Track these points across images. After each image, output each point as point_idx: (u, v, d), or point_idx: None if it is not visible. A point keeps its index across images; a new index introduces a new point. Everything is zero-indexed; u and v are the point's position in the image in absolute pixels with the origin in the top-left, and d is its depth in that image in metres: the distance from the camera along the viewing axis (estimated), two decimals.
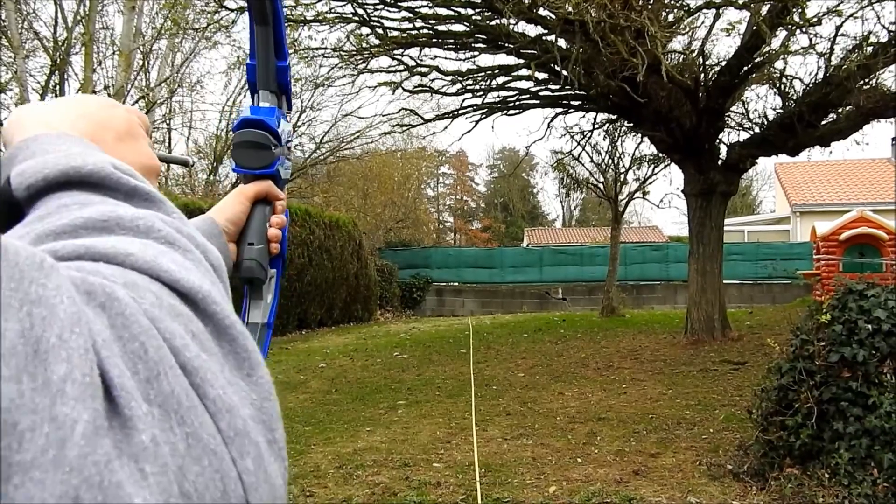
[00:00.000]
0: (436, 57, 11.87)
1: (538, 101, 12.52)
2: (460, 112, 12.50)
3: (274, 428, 0.44)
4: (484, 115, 12.65)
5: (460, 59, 11.86)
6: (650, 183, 16.71)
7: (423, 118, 13.37)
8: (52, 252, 0.40)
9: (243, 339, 0.43)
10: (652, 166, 16.26)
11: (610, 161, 16.31)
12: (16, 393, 0.32)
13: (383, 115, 15.90)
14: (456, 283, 22.80)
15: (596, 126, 14.50)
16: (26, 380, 0.32)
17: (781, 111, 10.93)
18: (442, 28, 10.89)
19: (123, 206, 0.46)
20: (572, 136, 14.92)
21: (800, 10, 8.78)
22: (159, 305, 0.39)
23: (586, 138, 15.09)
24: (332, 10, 10.42)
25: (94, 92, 17.48)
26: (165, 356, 0.38)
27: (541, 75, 11.06)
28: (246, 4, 1.05)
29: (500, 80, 12.09)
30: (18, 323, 0.33)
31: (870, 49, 9.41)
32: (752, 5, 9.32)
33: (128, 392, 0.35)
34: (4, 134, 0.62)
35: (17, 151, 0.51)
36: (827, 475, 4.34)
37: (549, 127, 13.34)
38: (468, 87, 12.07)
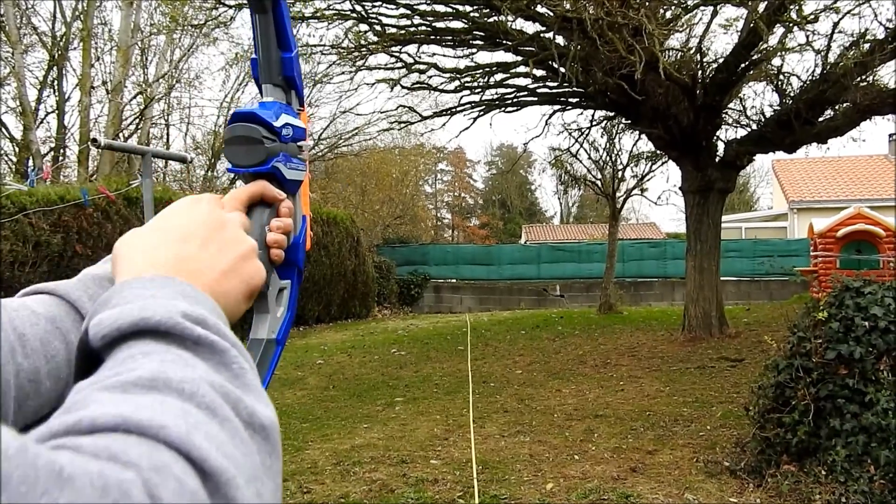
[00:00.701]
0: (434, 54, 11.81)
1: (536, 98, 12.52)
2: (458, 109, 12.50)
3: None
4: (482, 112, 12.65)
5: (458, 57, 11.87)
6: (648, 180, 16.74)
7: (421, 115, 13.36)
8: (92, 422, 0.41)
9: None
10: (650, 163, 16.28)
11: (608, 158, 16.32)
12: None
13: (381, 112, 15.93)
14: (454, 280, 22.81)
15: (594, 123, 14.51)
16: None
17: (779, 108, 10.94)
18: (440, 25, 10.88)
19: (176, 364, 0.47)
20: (570, 133, 14.93)
21: (797, 7, 8.78)
22: (180, 493, 0.40)
23: (584, 135, 15.11)
24: (331, 7, 10.41)
25: (93, 87, 17.47)
26: None
27: (539, 72, 11.06)
28: (244, 0, 0.99)
29: (498, 77, 12.09)
30: None
31: (867, 46, 9.41)
32: (749, 2, 9.33)
33: None
34: (112, 264, 0.64)
35: (111, 296, 0.54)
36: (824, 472, 4.35)
37: (547, 124, 13.36)
38: (466, 84, 12.06)
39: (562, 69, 9.05)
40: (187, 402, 0.45)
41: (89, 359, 0.51)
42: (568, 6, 8.66)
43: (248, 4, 0.94)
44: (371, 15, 10.53)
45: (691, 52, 10.61)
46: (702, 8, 10.25)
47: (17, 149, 18.80)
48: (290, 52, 0.97)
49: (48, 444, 0.39)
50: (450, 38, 11.09)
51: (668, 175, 54.55)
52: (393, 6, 10.46)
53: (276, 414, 0.51)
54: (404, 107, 13.34)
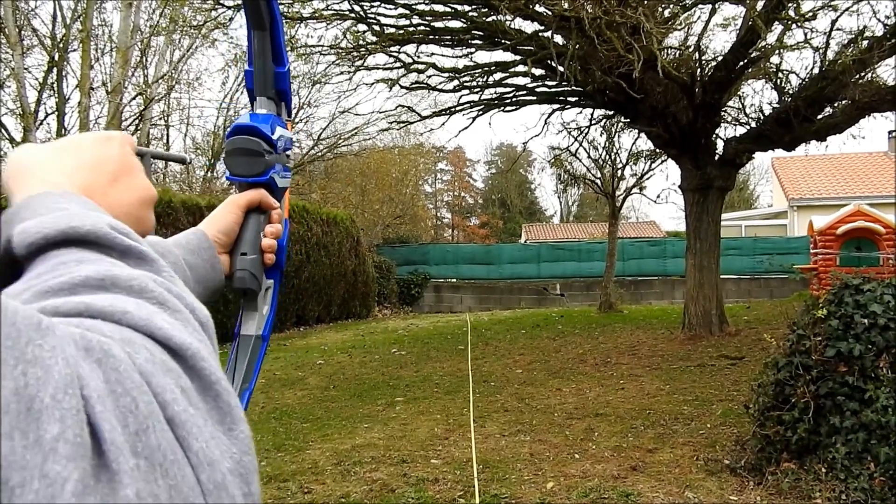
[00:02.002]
0: (433, 54, 11.81)
1: (535, 98, 12.52)
2: (457, 108, 12.50)
3: (250, 481, 0.45)
4: (481, 112, 12.65)
5: (457, 56, 11.87)
6: (647, 178, 16.73)
7: (420, 115, 13.36)
8: (55, 308, 0.43)
9: (227, 395, 0.45)
10: (649, 162, 16.28)
11: (607, 157, 16.32)
12: (8, 450, 0.34)
13: (381, 112, 15.93)
14: (454, 280, 22.81)
15: (593, 122, 14.51)
16: (18, 437, 0.34)
17: (777, 106, 10.94)
18: (438, 25, 10.88)
19: (119, 266, 0.49)
20: (569, 132, 14.92)
21: (795, 5, 8.78)
22: (152, 361, 0.42)
23: (583, 134, 15.10)
24: (329, 7, 10.42)
25: (92, 89, 17.47)
26: (154, 410, 0.40)
27: (537, 71, 11.06)
28: (242, 2, 1.03)
29: (497, 76, 12.09)
30: (13, 381, 0.35)
31: (865, 43, 9.41)
32: (747, 0, 9.32)
33: (117, 447, 0.37)
34: (4, 184, 0.64)
35: (19, 210, 0.54)
36: (824, 470, 4.35)
37: (546, 123, 13.36)
38: (465, 84, 12.06)
39: (560, 68, 9.06)
40: (139, 297, 0.47)
41: (13, 269, 0.51)
42: (566, 5, 8.66)
43: (247, 21, 0.98)
44: (369, 15, 10.53)
45: (690, 50, 10.61)
46: (700, 6, 10.26)
47: None
48: (283, 67, 1.04)
49: None
50: (448, 37, 11.10)
51: (668, 173, 54.66)
52: (391, 6, 10.46)
53: (209, 315, 0.53)
54: (403, 106, 13.35)
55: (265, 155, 0.98)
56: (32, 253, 0.50)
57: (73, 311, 0.43)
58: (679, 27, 10.71)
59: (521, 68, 11.43)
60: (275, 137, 0.99)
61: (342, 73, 12.31)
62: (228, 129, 0.99)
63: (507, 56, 11.63)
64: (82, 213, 0.52)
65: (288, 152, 1.05)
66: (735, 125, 12.34)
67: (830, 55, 9.92)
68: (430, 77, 11.95)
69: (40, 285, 0.46)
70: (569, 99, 12.51)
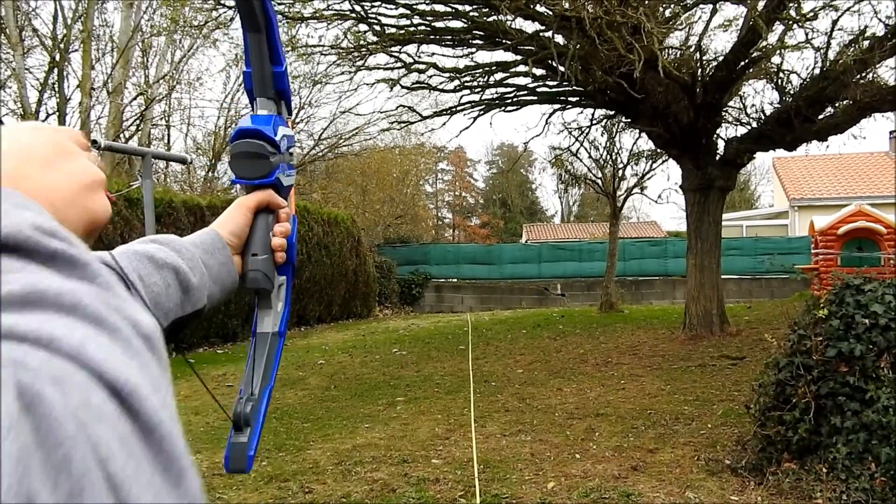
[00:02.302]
0: (433, 54, 11.81)
1: (536, 98, 12.52)
2: (458, 108, 12.50)
3: None
4: (482, 112, 12.65)
5: (458, 56, 11.88)
6: (648, 178, 16.74)
7: (421, 115, 13.36)
8: None
9: (170, 441, 0.40)
10: (650, 162, 16.28)
11: (608, 157, 16.32)
12: None
13: (381, 112, 15.93)
14: (455, 280, 22.81)
15: (594, 122, 14.51)
16: None
17: (778, 106, 10.93)
18: (439, 24, 10.88)
19: (46, 278, 0.42)
20: (570, 132, 14.93)
21: (796, 5, 8.78)
22: (86, 405, 0.36)
23: (584, 134, 15.10)
24: (330, 7, 10.42)
25: (93, 89, 17.48)
26: (90, 468, 0.34)
27: (538, 71, 11.06)
28: (236, 5, 1.03)
29: (498, 76, 12.09)
30: None
31: (866, 43, 9.41)
32: (748, 0, 9.32)
33: None
34: None
35: None
36: (825, 470, 4.35)
37: (547, 123, 13.36)
38: (466, 84, 12.06)
39: (561, 68, 9.05)
40: (70, 315, 0.40)
41: None
42: (567, 5, 8.66)
43: (242, 24, 1.00)
44: (370, 15, 10.53)
45: (691, 50, 10.61)
46: (701, 6, 10.26)
47: None
48: (280, 67, 1.05)
49: None
50: (449, 37, 11.10)
51: (669, 173, 54.71)
52: (392, 6, 10.46)
53: (156, 323, 0.47)
54: (404, 106, 13.35)
55: (270, 157, 0.99)
56: None
57: None
58: (680, 27, 10.72)
59: (521, 68, 11.43)
60: (277, 138, 1.00)
61: (343, 73, 12.32)
62: (231, 134, 1.00)
63: (508, 56, 11.63)
64: (4, 212, 0.44)
65: (291, 150, 1.06)
66: (736, 125, 12.34)
67: (831, 55, 9.91)
68: (430, 77, 11.95)
69: None
70: (570, 99, 12.50)
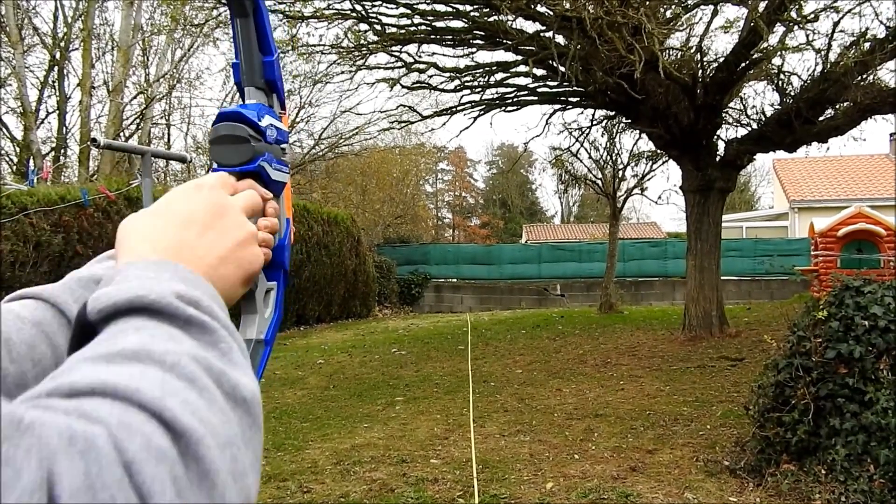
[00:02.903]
0: (434, 53, 11.80)
1: (536, 98, 12.52)
2: (458, 108, 12.50)
3: None
4: (482, 112, 12.65)
5: (458, 56, 11.87)
6: (648, 179, 16.74)
7: (421, 115, 13.36)
8: (70, 386, 0.43)
9: (223, 489, 0.44)
10: (650, 163, 16.28)
11: (608, 157, 16.32)
12: None
13: (382, 112, 15.91)
14: (454, 280, 22.81)
15: (594, 122, 14.51)
16: None
17: (779, 107, 10.93)
18: (440, 24, 10.88)
19: (161, 339, 0.49)
20: (570, 133, 14.93)
21: (797, 7, 8.78)
22: (147, 448, 0.41)
23: (584, 135, 15.11)
24: (330, 7, 10.41)
25: (93, 87, 17.49)
26: None
27: (539, 72, 11.06)
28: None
29: (498, 76, 12.09)
30: None
31: (867, 45, 9.40)
32: (749, 2, 9.32)
33: None
34: (116, 248, 0.65)
35: (110, 277, 0.56)
36: (823, 471, 4.35)
37: (547, 123, 13.36)
38: (466, 84, 12.06)
39: (562, 68, 9.05)
40: (167, 372, 0.46)
41: (85, 333, 0.52)
42: (567, 5, 8.65)
43: (229, 8, 0.95)
44: (371, 14, 10.53)
45: (691, 51, 10.60)
46: (702, 7, 10.25)
47: (17, 149, 18.81)
48: (271, 56, 0.98)
49: (23, 404, 0.41)
50: (450, 37, 11.09)
51: (669, 174, 54.73)
52: (393, 6, 10.46)
53: (258, 389, 0.52)
54: (404, 106, 13.35)
55: (251, 141, 0.92)
56: (101, 320, 0.51)
57: (86, 388, 0.43)
58: (681, 28, 10.71)
59: (522, 68, 11.43)
60: (262, 124, 0.94)
61: (343, 72, 12.31)
62: (214, 119, 0.94)
63: (509, 56, 11.63)
64: (152, 282, 0.53)
65: (283, 146, 1.00)
66: (736, 126, 12.34)
67: (832, 57, 9.91)
68: (431, 77, 11.95)
69: (88, 353, 0.47)
70: (570, 99, 12.51)
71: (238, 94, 0.99)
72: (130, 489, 0.39)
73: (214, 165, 0.93)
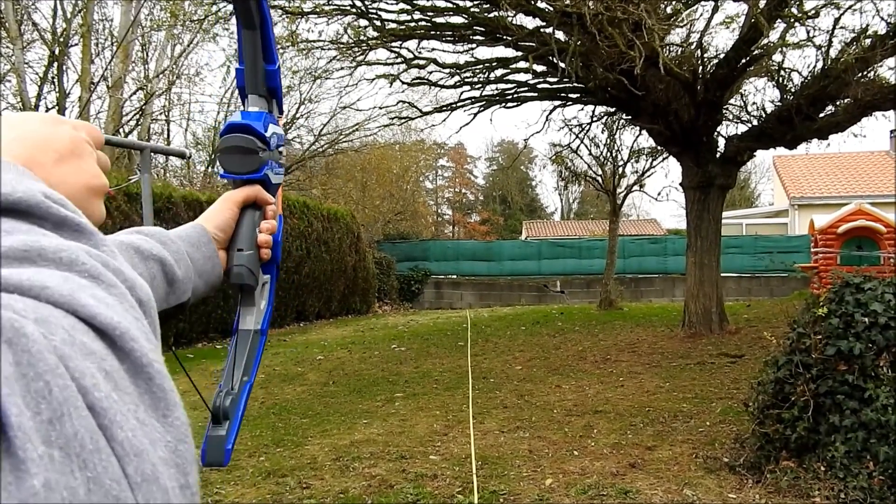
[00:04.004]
0: (433, 49, 11.78)
1: (536, 94, 12.51)
2: (458, 105, 12.49)
3: (188, 472, 0.42)
4: (482, 108, 12.63)
5: (458, 52, 11.84)
6: (648, 176, 16.73)
7: (421, 111, 13.35)
8: None
9: (160, 379, 0.42)
10: (650, 159, 16.27)
11: (608, 154, 16.31)
12: None
13: (381, 108, 15.88)
14: (454, 276, 22.81)
15: (594, 119, 14.50)
16: None
17: (779, 104, 10.92)
18: (440, 20, 10.86)
19: (48, 237, 0.45)
20: (570, 129, 14.93)
21: (798, 3, 8.76)
22: (71, 343, 0.38)
23: (584, 131, 15.09)
24: (330, 2, 10.40)
25: (93, 83, 17.46)
26: (71, 396, 0.36)
27: (539, 68, 11.04)
28: (232, 2, 1.03)
29: (499, 72, 12.08)
30: None
31: (868, 41, 9.39)
32: None
33: (24, 433, 0.34)
34: None
35: None
36: (823, 468, 4.35)
37: (547, 120, 13.34)
38: (466, 80, 12.05)
39: (562, 64, 9.04)
40: (67, 269, 0.43)
41: None
42: (567, 1, 8.63)
43: (237, 20, 1.00)
44: (370, 10, 10.51)
45: (692, 47, 10.59)
46: (702, 3, 10.24)
47: None
48: (273, 65, 1.05)
49: None
50: (450, 33, 11.08)
51: (669, 171, 54.69)
52: (392, 1, 10.45)
53: (150, 291, 0.49)
54: (404, 102, 13.35)
55: (259, 152, 0.99)
56: None
57: None
58: (681, 24, 10.69)
59: (522, 64, 11.42)
60: (268, 135, 1.00)
61: (343, 68, 12.30)
62: (222, 128, 1.00)
63: (509, 52, 11.62)
64: (14, 179, 0.47)
65: (281, 149, 1.07)
66: (737, 123, 12.33)
67: (833, 53, 9.90)
68: (431, 73, 11.94)
69: None
70: (570, 95, 12.49)
71: (239, 96, 1.06)
72: (68, 378, 0.37)
73: (222, 171, 1.02)
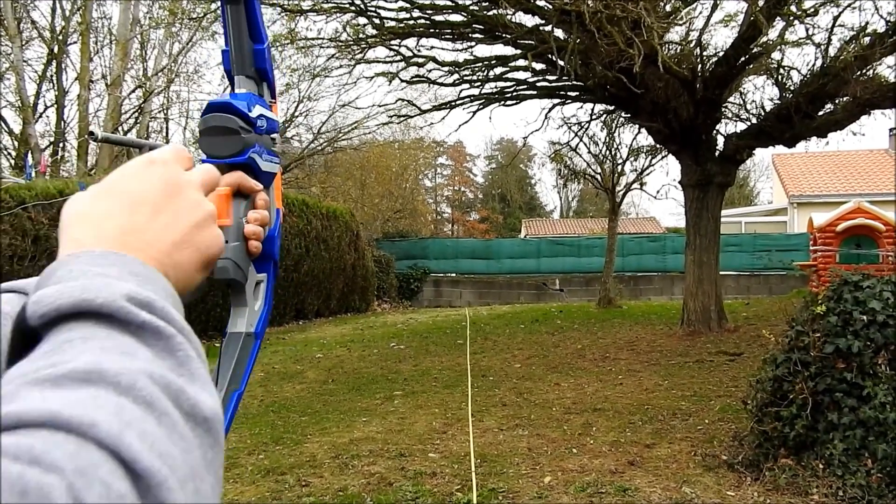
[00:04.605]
0: (433, 47, 11.84)
1: (535, 92, 12.50)
2: (458, 102, 12.48)
3: None
4: (481, 106, 12.62)
5: (457, 50, 11.83)
6: (647, 174, 16.72)
7: (420, 109, 13.35)
8: (18, 418, 0.40)
9: None
10: (649, 157, 16.25)
11: (607, 152, 16.29)
12: None
13: (381, 106, 15.83)
14: (453, 274, 22.81)
15: (593, 117, 14.48)
16: None
17: (778, 102, 10.92)
18: (439, 18, 10.85)
19: (112, 355, 0.45)
20: (570, 127, 14.91)
21: (797, 1, 8.76)
22: (106, 496, 0.38)
23: (584, 129, 15.07)
24: (329, 0, 10.38)
25: (91, 81, 17.45)
26: None
27: (538, 66, 11.03)
28: None
29: (498, 70, 12.06)
30: None
31: (867, 40, 9.39)
32: None
33: None
34: (60, 233, 0.59)
35: (52, 271, 0.51)
36: (821, 466, 4.36)
37: (546, 118, 13.33)
38: (465, 78, 12.03)
39: (561, 62, 9.03)
40: (123, 395, 0.43)
41: (27, 337, 0.48)
42: None
43: None
44: (370, 8, 10.50)
45: (691, 45, 10.58)
46: (701, 1, 10.23)
47: (15, 143, 18.79)
48: (261, 44, 0.97)
49: None
50: (449, 31, 11.07)
51: (668, 169, 54.68)
52: None
53: (219, 404, 0.49)
54: (403, 100, 13.32)
55: (241, 132, 0.90)
56: (45, 325, 0.47)
57: (36, 420, 0.40)
58: (680, 22, 10.69)
59: (521, 62, 11.41)
60: (252, 115, 0.92)
61: (342, 66, 12.28)
62: (203, 110, 0.91)
63: (508, 50, 11.61)
64: (101, 281, 0.49)
65: (273, 135, 0.98)
66: (736, 121, 12.33)
67: (832, 51, 9.89)
68: (430, 71, 11.92)
69: (32, 374, 0.43)
70: (569, 94, 12.49)
71: (227, 80, 0.98)
72: None
73: (203, 157, 0.91)
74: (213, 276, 0.89)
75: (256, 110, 0.93)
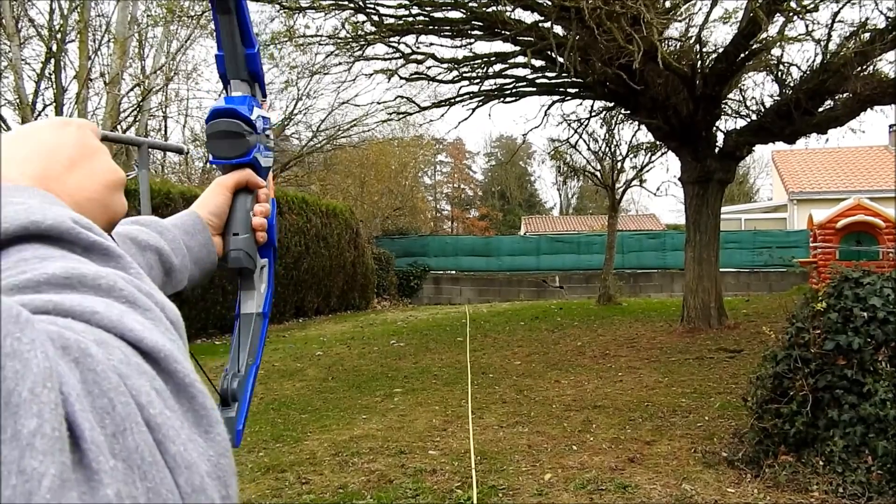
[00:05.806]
0: (432, 44, 11.78)
1: (535, 89, 12.48)
2: (457, 100, 12.45)
3: (228, 484, 0.44)
4: (481, 103, 12.60)
5: (456, 47, 11.84)
6: (647, 171, 16.72)
7: (419, 106, 13.32)
8: (31, 304, 0.41)
9: (202, 398, 0.45)
10: (649, 154, 16.25)
11: (607, 149, 16.29)
12: None
13: (380, 103, 15.84)
14: (453, 272, 22.81)
15: (593, 114, 14.47)
16: None
17: (778, 98, 10.90)
18: (438, 15, 10.83)
19: (85, 263, 0.47)
20: (569, 124, 14.91)
21: None
22: (127, 363, 0.41)
23: (583, 126, 15.06)
24: None
25: (90, 80, 17.42)
26: (132, 412, 0.39)
27: (537, 62, 11.01)
28: None
29: (497, 67, 12.04)
30: None
31: (867, 36, 9.37)
32: None
33: (97, 446, 0.36)
34: None
35: None
36: (821, 462, 4.35)
37: (546, 115, 13.33)
38: (465, 75, 12.02)
39: (560, 59, 9.01)
40: (107, 296, 0.45)
41: None
42: None
43: (212, 5, 1.00)
44: (368, 5, 10.48)
45: (690, 41, 10.56)
46: None
47: None
48: (252, 49, 1.05)
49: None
50: (448, 27, 11.05)
51: (668, 166, 54.60)
52: None
53: (178, 311, 0.52)
54: (403, 98, 13.31)
55: (246, 136, 1.00)
56: None
57: (40, 308, 0.41)
58: (680, 18, 10.66)
59: (520, 59, 11.38)
60: (253, 117, 1.01)
61: (341, 63, 12.26)
62: (207, 114, 1.00)
63: (507, 47, 11.58)
64: (42, 206, 0.49)
65: (268, 132, 1.07)
66: (735, 117, 12.31)
67: (832, 47, 9.88)
68: (429, 68, 11.91)
69: (2, 282, 0.43)
70: (569, 90, 12.47)
71: (222, 83, 1.06)
72: (128, 396, 0.39)
73: (211, 158, 1.02)
74: (227, 265, 1.03)
75: (255, 112, 1.02)
